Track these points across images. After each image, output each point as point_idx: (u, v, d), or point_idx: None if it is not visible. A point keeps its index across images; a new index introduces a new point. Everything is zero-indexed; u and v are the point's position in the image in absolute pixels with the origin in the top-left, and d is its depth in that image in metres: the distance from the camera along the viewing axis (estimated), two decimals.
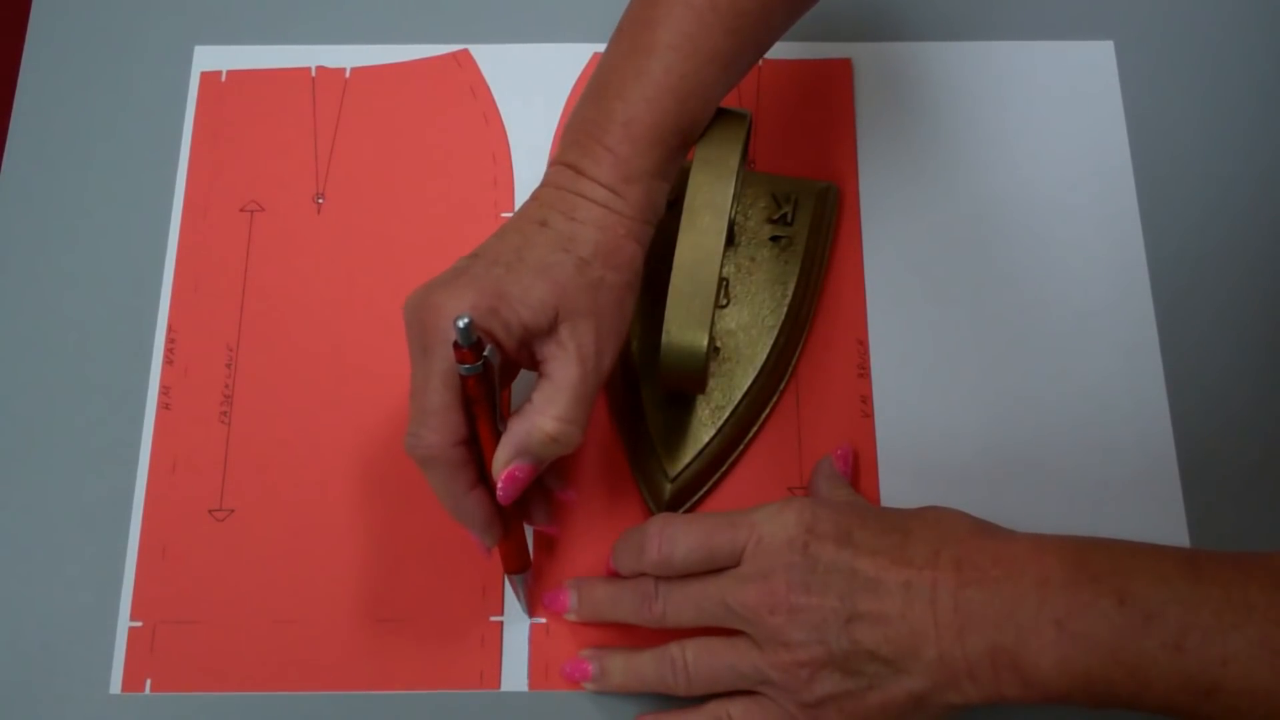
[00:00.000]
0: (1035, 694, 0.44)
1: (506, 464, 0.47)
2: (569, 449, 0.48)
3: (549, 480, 0.53)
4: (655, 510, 0.55)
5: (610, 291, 0.48)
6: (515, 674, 0.53)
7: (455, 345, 0.44)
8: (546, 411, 0.47)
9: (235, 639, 0.54)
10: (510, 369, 0.49)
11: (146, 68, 0.64)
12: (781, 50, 0.64)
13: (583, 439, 0.48)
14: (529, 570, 0.53)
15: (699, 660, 0.49)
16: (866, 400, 0.57)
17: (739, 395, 0.56)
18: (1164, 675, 0.42)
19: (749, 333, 0.57)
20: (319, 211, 0.61)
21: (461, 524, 0.49)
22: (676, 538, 0.49)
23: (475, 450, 0.48)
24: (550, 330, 0.47)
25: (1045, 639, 0.43)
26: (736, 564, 0.49)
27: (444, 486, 0.48)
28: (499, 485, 0.47)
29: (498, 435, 0.47)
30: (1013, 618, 0.44)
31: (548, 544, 0.55)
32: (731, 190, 0.50)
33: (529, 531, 0.54)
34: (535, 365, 0.48)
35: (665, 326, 0.50)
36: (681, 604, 0.49)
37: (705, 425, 0.55)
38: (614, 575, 0.53)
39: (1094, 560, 0.44)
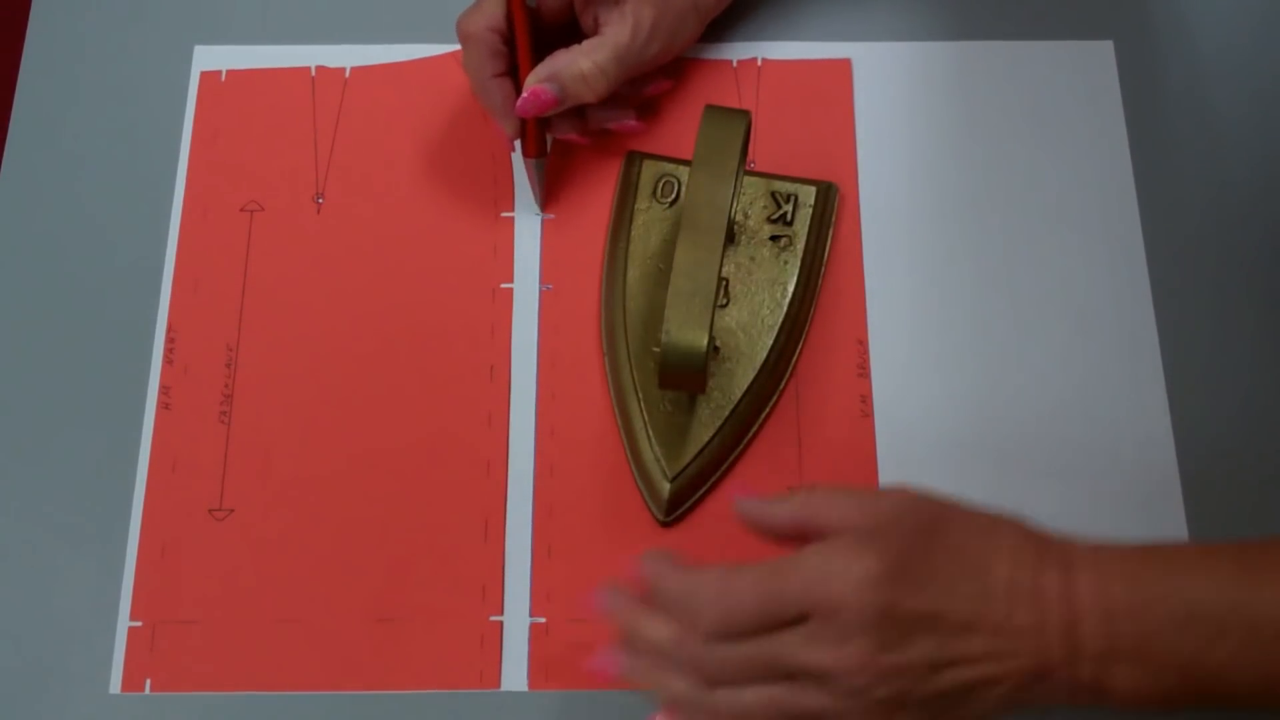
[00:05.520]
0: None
1: (537, 80, 0.55)
2: (590, 95, 0.56)
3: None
4: (655, 510, 0.55)
5: (679, 1, 0.57)
6: (515, 674, 0.53)
7: None
8: (588, 54, 0.55)
9: (235, 639, 0.54)
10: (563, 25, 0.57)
11: (146, 68, 0.64)
12: (781, 50, 0.64)
13: (605, 95, 0.56)
14: (545, 157, 0.59)
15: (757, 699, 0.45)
16: (866, 400, 0.57)
17: (739, 395, 0.56)
18: (1245, 677, 0.42)
19: (749, 332, 0.57)
20: (319, 211, 0.61)
21: (485, 108, 0.57)
22: (733, 602, 0.45)
23: (512, 53, 0.56)
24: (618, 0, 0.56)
25: (1121, 673, 0.43)
26: (800, 620, 0.44)
27: (473, 66, 0.56)
28: (523, 94, 0.55)
29: (531, 44, 0.56)
30: (1083, 654, 0.43)
31: (547, 547, 0.55)
32: (731, 190, 0.50)
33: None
34: (594, 30, 0.56)
35: (665, 326, 0.50)
36: (741, 669, 0.45)
37: (705, 425, 0.55)
38: (636, 584, 0.48)
39: (1150, 580, 0.44)
